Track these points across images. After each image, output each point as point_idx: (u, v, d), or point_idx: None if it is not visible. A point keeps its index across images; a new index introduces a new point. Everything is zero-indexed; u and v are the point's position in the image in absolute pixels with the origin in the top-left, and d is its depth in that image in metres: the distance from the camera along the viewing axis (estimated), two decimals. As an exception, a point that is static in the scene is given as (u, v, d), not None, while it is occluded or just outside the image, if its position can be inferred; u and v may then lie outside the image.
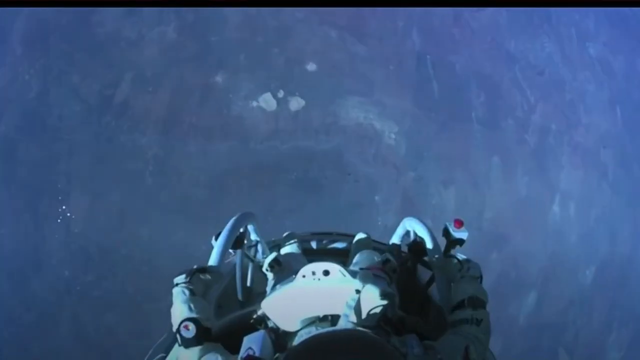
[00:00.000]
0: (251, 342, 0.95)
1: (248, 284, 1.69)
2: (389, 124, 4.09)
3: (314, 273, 1.08)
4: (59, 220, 3.66)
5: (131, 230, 3.63)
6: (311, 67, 4.09)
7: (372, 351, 0.74)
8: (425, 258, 1.61)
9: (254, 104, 3.92)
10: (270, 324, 1.10)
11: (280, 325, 1.08)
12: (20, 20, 4.08)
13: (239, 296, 1.61)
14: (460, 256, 1.35)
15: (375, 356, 0.73)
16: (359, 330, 0.91)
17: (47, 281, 3.63)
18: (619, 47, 5.31)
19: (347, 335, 0.84)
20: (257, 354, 0.91)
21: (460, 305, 1.14)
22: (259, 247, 1.84)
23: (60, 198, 3.69)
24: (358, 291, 1.02)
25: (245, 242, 1.62)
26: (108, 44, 3.99)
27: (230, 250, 1.49)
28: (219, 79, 3.95)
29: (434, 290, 1.53)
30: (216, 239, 1.44)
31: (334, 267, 1.08)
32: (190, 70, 3.96)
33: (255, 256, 1.81)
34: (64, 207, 3.68)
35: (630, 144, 4.96)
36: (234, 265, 1.62)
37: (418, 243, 1.64)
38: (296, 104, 3.96)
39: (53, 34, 4.02)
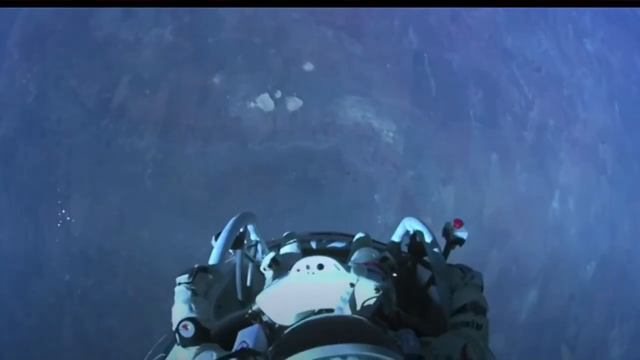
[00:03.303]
0: (245, 336, 0.94)
1: (248, 283, 1.69)
2: (387, 122, 4.09)
3: (308, 267, 1.08)
4: (58, 224, 3.66)
5: (131, 232, 3.63)
6: (308, 67, 4.09)
7: (369, 335, 0.73)
8: (425, 258, 1.61)
9: (252, 104, 3.92)
10: (265, 319, 1.10)
11: (275, 320, 1.07)
12: (17, 24, 4.08)
13: (239, 296, 1.61)
14: (463, 266, 1.35)
15: (372, 341, 0.72)
16: (355, 317, 0.90)
17: (48, 285, 3.63)
18: (617, 43, 5.31)
19: (342, 320, 0.83)
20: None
21: (461, 309, 1.14)
22: (259, 247, 1.84)
23: (59, 202, 3.69)
24: (352, 285, 1.02)
25: (245, 242, 1.62)
26: (105, 46, 3.99)
27: (230, 250, 1.49)
28: (216, 80, 3.95)
29: (434, 290, 1.53)
30: (216, 239, 1.44)
31: (328, 261, 1.07)
32: (187, 71, 3.96)
33: (255, 256, 1.81)
34: (63, 211, 3.68)
35: (628, 140, 4.96)
36: (234, 265, 1.62)
37: (418, 243, 1.63)
38: (294, 104, 3.96)
39: (50, 38, 4.02)
